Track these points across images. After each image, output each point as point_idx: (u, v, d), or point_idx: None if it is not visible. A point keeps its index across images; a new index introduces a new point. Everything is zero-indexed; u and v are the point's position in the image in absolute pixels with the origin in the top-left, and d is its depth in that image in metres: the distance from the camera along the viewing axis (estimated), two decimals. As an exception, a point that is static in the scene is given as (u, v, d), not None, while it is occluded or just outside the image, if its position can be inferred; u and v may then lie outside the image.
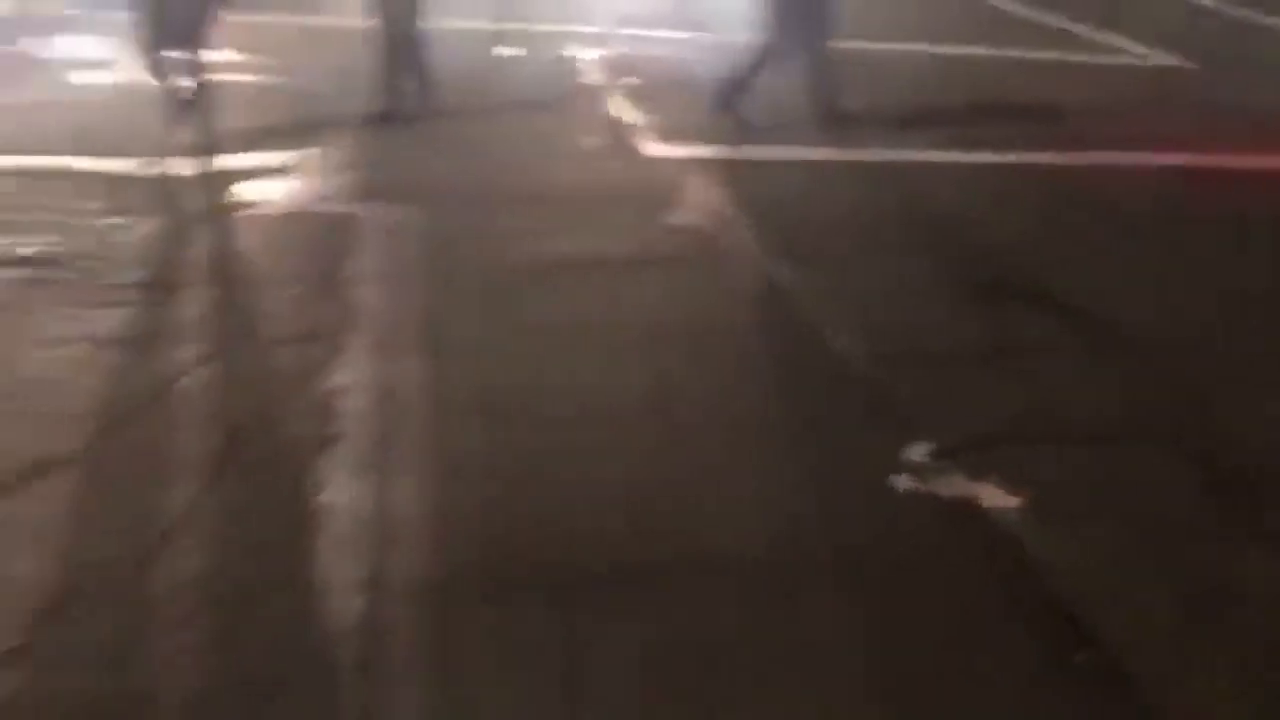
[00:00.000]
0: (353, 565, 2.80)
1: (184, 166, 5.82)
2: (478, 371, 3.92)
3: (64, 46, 9.05)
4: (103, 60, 8.28)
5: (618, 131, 7.35)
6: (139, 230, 5.15)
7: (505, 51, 9.86)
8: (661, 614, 2.67)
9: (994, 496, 3.20)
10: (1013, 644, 2.61)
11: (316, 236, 5.18)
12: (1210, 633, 2.68)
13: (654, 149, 6.93)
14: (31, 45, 9.21)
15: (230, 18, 6.37)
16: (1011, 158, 6.95)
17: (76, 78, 8.16)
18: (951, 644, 2.61)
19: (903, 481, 3.29)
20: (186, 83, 5.94)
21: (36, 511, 2.97)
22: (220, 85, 6.37)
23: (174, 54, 5.78)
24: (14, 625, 2.51)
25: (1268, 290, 5.06)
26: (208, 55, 5.92)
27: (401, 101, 7.13)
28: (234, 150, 6.13)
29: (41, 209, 5.31)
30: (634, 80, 8.85)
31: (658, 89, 8.52)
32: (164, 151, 5.88)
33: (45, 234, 4.96)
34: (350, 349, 3.99)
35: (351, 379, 3.77)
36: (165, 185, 5.72)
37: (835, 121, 7.35)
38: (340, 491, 3.11)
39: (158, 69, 5.95)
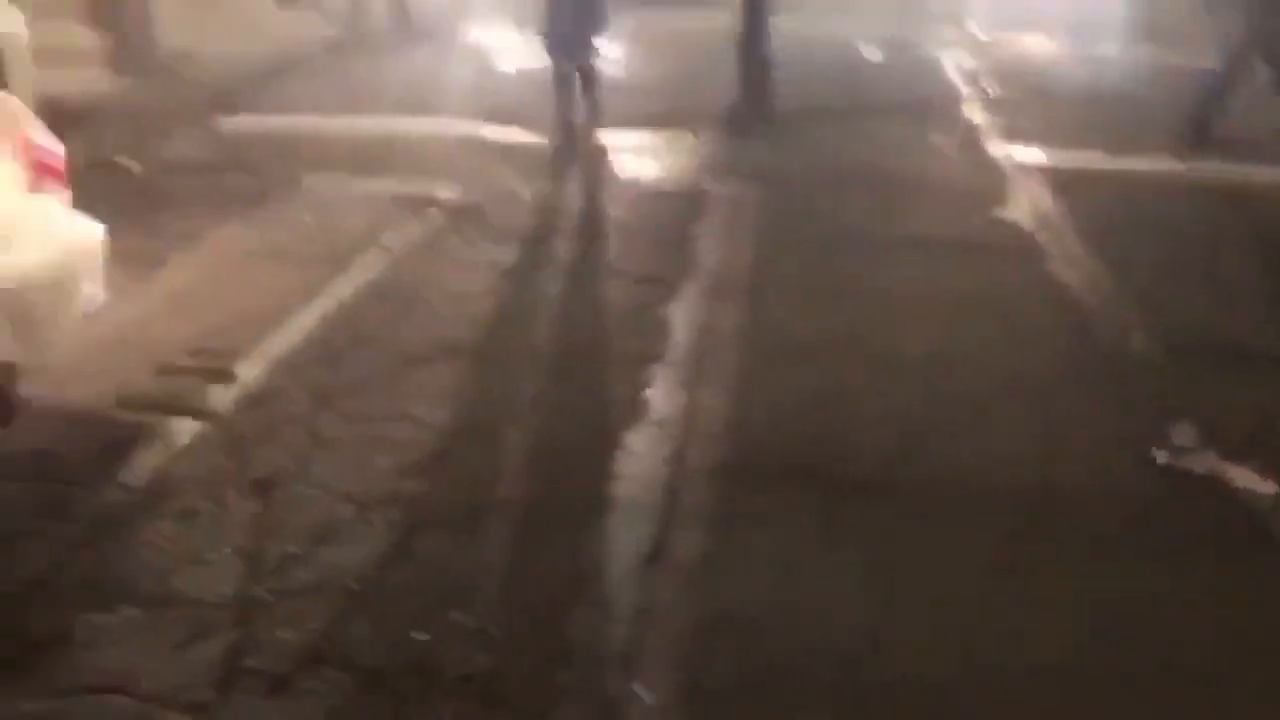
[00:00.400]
0: (660, 445, 3.49)
1: (572, 140, 6.83)
2: (788, 320, 4.52)
3: (489, 37, 10.61)
4: (516, 49, 9.66)
5: (968, 132, 7.65)
6: (532, 188, 6.19)
7: (872, 54, 10.36)
8: (901, 525, 3.14)
9: (1248, 479, 3.36)
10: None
11: (671, 205, 5.98)
12: None
13: (1000, 150, 7.18)
14: (466, 32, 10.89)
15: (616, 18, 7.34)
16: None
17: (497, 63, 9.62)
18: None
19: (1162, 455, 3.52)
20: (579, 73, 6.95)
21: (441, 381, 3.91)
22: (605, 77, 7.35)
23: (571, 49, 6.80)
24: (422, 454, 3.42)
25: None
26: (598, 51, 6.92)
27: (759, 97, 7.77)
28: (612, 130, 7.08)
29: (460, 166, 6.50)
30: (992, 85, 9.06)
31: (1016, 95, 8.69)
32: (557, 127, 6.94)
33: (462, 185, 6.11)
34: (684, 292, 4.72)
35: (680, 314, 4.49)
36: (555, 155, 6.76)
37: (1200, 139, 7.19)
38: (657, 393, 3.82)
39: (560, 62, 7.01)
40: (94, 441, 3.42)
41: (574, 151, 6.74)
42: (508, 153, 6.87)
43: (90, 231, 3.48)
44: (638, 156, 6.93)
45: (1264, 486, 3.33)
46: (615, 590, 2.82)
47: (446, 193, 5.99)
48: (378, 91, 8.35)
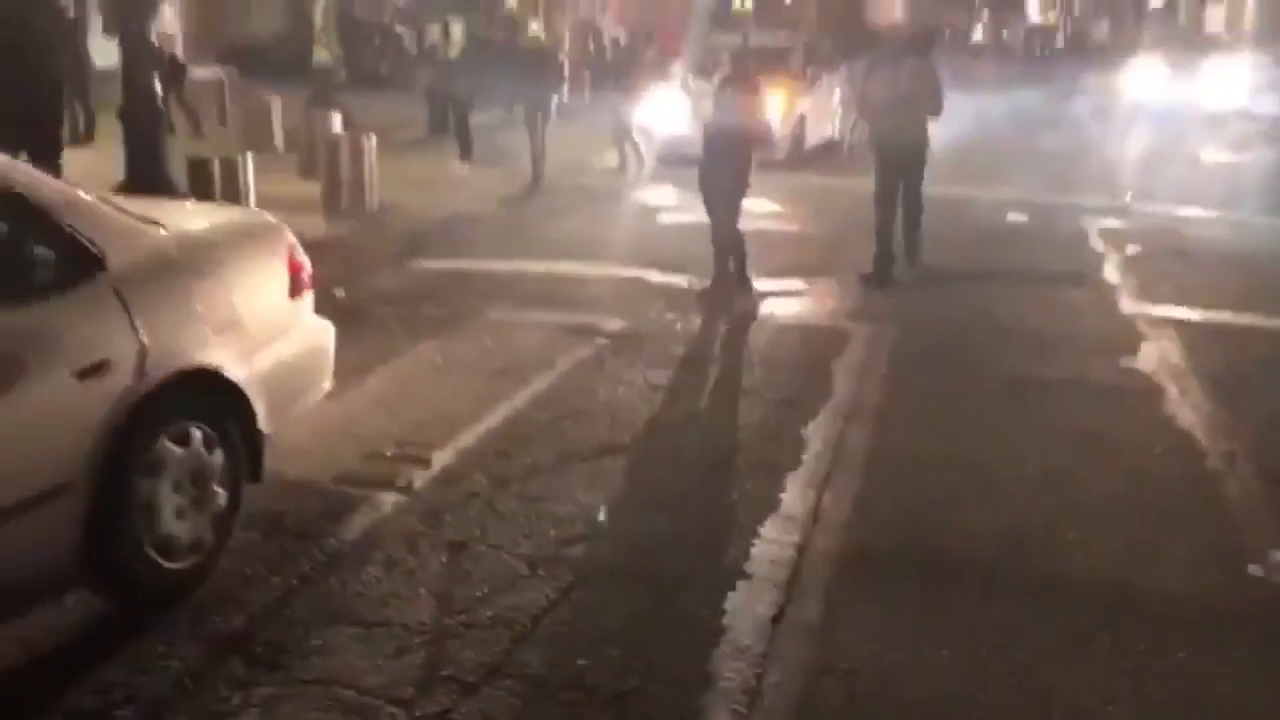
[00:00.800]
0: (788, 534, 3.99)
1: (724, 284, 7.54)
2: (913, 441, 4.99)
3: (655, 195, 11.64)
4: (684, 206, 10.58)
5: (1103, 289, 8.04)
6: (685, 323, 6.89)
7: (1018, 218, 10.88)
8: (995, 610, 3.53)
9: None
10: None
11: (812, 341, 6.57)
12: None
13: (1133, 306, 7.53)
14: (634, 193, 11.95)
15: (768, 178, 8.06)
16: None
17: (665, 218, 10.57)
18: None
19: (1258, 569, 3.81)
20: (722, 226, 7.68)
21: (602, 473, 4.51)
22: (759, 229, 8.08)
23: (721, 205, 7.58)
24: (583, 528, 4.01)
25: None
26: (749, 207, 7.67)
27: (904, 253, 8.35)
28: (762, 276, 7.77)
29: (623, 302, 7.27)
30: (1135, 249, 9.42)
31: (1155, 258, 9.03)
32: (697, 272, 7.68)
33: (623, 319, 6.85)
34: (819, 414, 5.25)
35: (814, 431, 5.02)
36: (710, 295, 7.47)
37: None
38: (789, 494, 4.34)
39: (712, 214, 7.74)
40: (316, 506, 4.14)
41: (726, 293, 7.44)
42: (666, 292, 7.62)
43: (327, 332, 4.29)
44: (784, 299, 7.57)
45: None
46: (744, 639, 3.30)
47: (611, 324, 6.73)
48: (553, 240, 9.33)
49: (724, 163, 7.48)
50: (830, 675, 3.16)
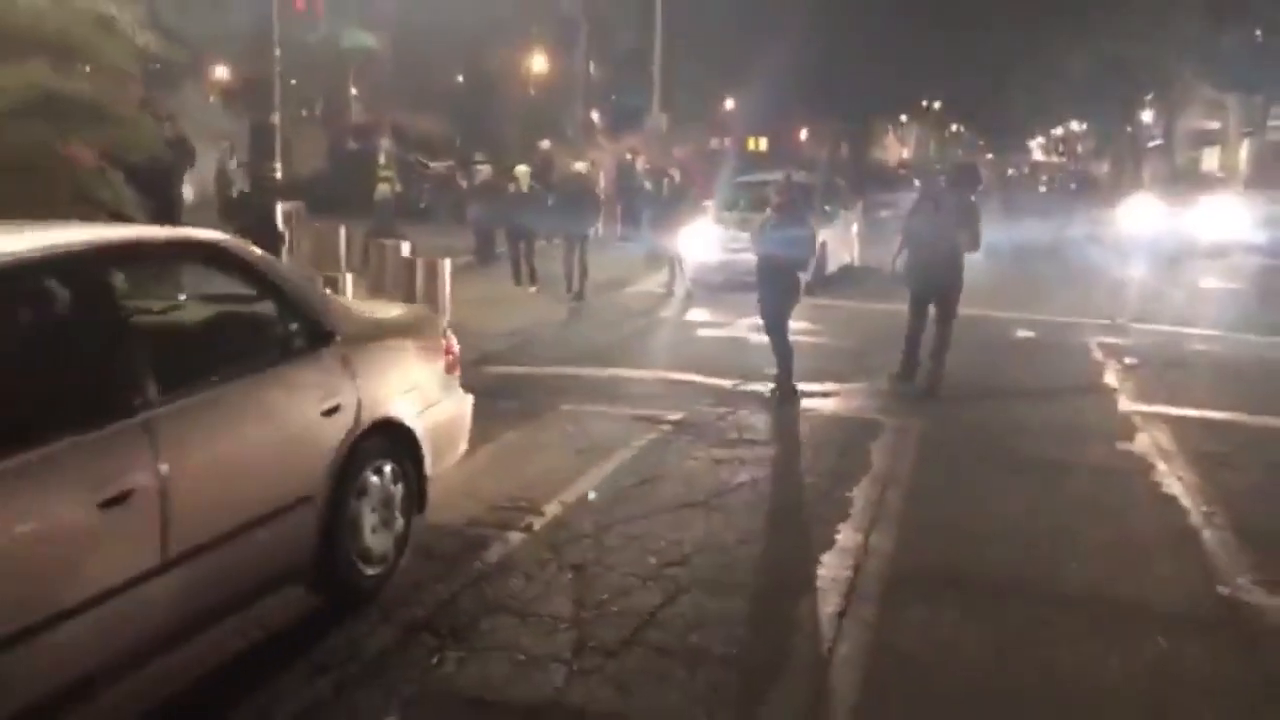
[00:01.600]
0: (844, 562, 4.94)
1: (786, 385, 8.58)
2: (939, 501, 5.96)
3: (691, 313, 12.83)
4: (720, 322, 11.73)
5: (1102, 391, 9.05)
6: (735, 415, 7.91)
7: (1024, 334, 11.98)
8: (1013, 614, 4.46)
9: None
10: None
11: (851, 428, 7.58)
12: None
13: (1129, 405, 8.53)
14: (670, 311, 13.14)
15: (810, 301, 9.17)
16: None
17: (703, 331, 11.72)
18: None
19: (1223, 589, 4.73)
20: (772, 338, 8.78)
21: (683, 521, 5.46)
22: (795, 342, 9.15)
23: (771, 321, 8.69)
24: (676, 555, 4.97)
25: None
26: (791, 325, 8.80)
27: (924, 365, 9.35)
28: (802, 379, 8.82)
29: (679, 399, 8.31)
30: (1132, 360, 10.46)
31: (1150, 367, 10.07)
32: (749, 376, 8.75)
33: (681, 411, 7.88)
34: (861, 481, 6.23)
35: (858, 494, 6.00)
36: (746, 392, 8.52)
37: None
38: (843, 535, 5.30)
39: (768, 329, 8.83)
40: (457, 542, 5.12)
41: (783, 395, 8.46)
42: (712, 391, 8.66)
43: (468, 401, 5.34)
44: (823, 398, 8.60)
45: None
46: (818, 628, 4.24)
47: (671, 414, 7.76)
48: (606, 348, 10.45)
49: (774, 284, 8.61)
50: (885, 653, 4.09)
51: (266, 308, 4.19)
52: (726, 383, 8.96)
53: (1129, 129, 60.68)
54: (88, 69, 6.57)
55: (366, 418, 4.30)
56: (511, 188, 14.85)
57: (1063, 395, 8.94)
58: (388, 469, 4.48)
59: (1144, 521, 5.74)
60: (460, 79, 36.14)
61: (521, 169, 14.77)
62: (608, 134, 37.59)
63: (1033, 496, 6.12)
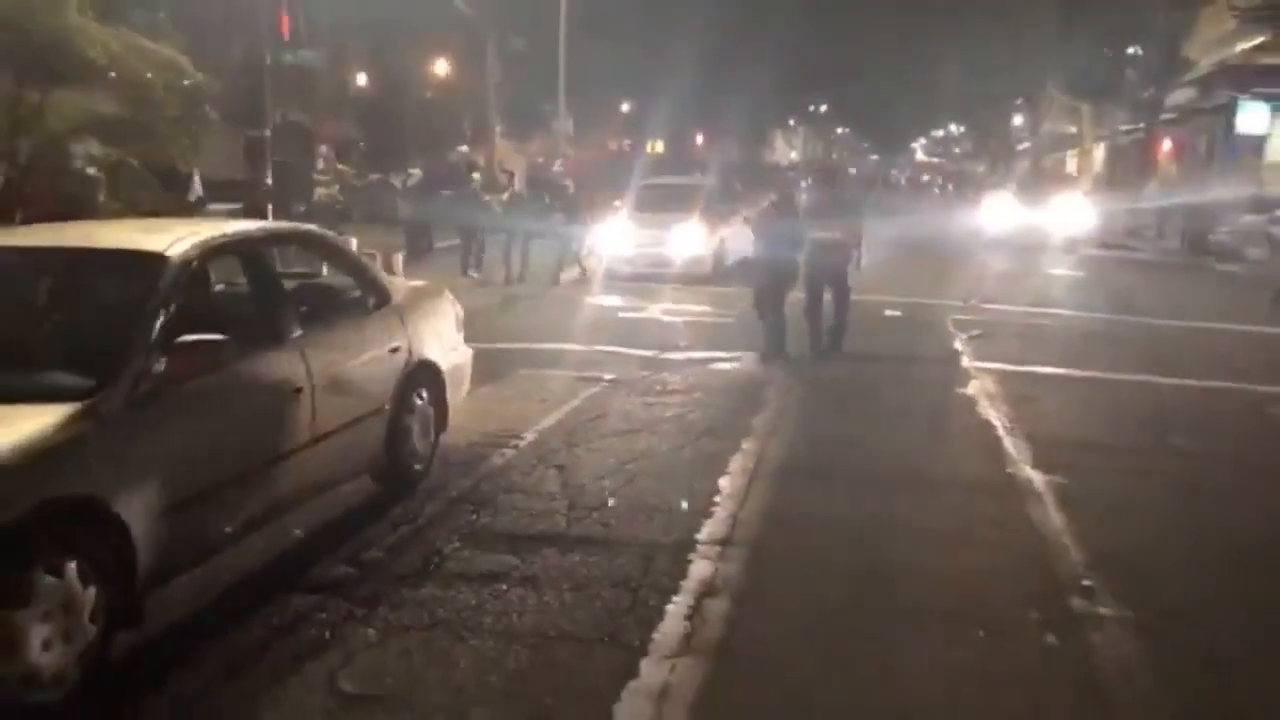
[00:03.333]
0: (749, 456, 6.91)
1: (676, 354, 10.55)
2: (819, 422, 7.98)
3: (608, 300, 14.75)
4: (636, 306, 13.65)
5: (950, 355, 11.26)
6: (659, 375, 9.84)
7: (892, 313, 14.21)
8: (854, 492, 6.49)
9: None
10: None
11: (750, 382, 9.58)
12: None
13: (969, 363, 10.73)
14: (591, 298, 15.03)
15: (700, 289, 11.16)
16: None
17: (622, 314, 13.64)
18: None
19: (1011, 471, 6.84)
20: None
21: (623, 443, 7.36)
22: (697, 322, 11.14)
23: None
24: (629, 458, 6.87)
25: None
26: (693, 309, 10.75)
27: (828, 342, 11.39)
28: (708, 349, 10.80)
29: (612, 364, 10.20)
30: (977, 331, 12.73)
31: (992, 336, 12.35)
32: (657, 347, 10.70)
33: (614, 373, 9.78)
34: (761, 412, 8.22)
35: (756, 423, 7.98)
36: (663, 359, 10.46)
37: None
38: (748, 443, 7.27)
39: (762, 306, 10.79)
40: (467, 454, 6.93)
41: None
42: (637, 359, 10.58)
43: (470, 354, 7.14)
44: (729, 363, 10.59)
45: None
46: (734, 495, 6.19)
47: (608, 375, 9.65)
48: (543, 327, 12.30)
49: (774, 269, 10.65)
50: (777, 502, 6.06)
51: (349, 279, 5.97)
52: (648, 353, 10.89)
53: (1002, 131, 64.76)
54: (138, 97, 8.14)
55: (414, 357, 6.10)
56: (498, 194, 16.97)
57: (918, 359, 11.13)
58: (425, 394, 6.28)
59: (963, 435, 7.86)
60: (365, 85, 37.43)
61: (476, 175, 16.76)
62: (514, 138, 39.38)
63: (885, 424, 8.21)
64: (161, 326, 4.27)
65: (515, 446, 7.17)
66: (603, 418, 8.07)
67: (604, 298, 15.35)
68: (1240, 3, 28.45)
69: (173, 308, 4.40)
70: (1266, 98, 29.56)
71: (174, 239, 4.75)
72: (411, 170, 21.49)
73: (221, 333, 4.42)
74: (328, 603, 4.62)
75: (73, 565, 3.66)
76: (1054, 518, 6.01)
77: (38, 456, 3.62)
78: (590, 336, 11.84)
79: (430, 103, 37.81)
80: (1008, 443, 7.60)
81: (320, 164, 18.05)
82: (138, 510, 3.91)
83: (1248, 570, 5.41)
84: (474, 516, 5.79)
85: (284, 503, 4.99)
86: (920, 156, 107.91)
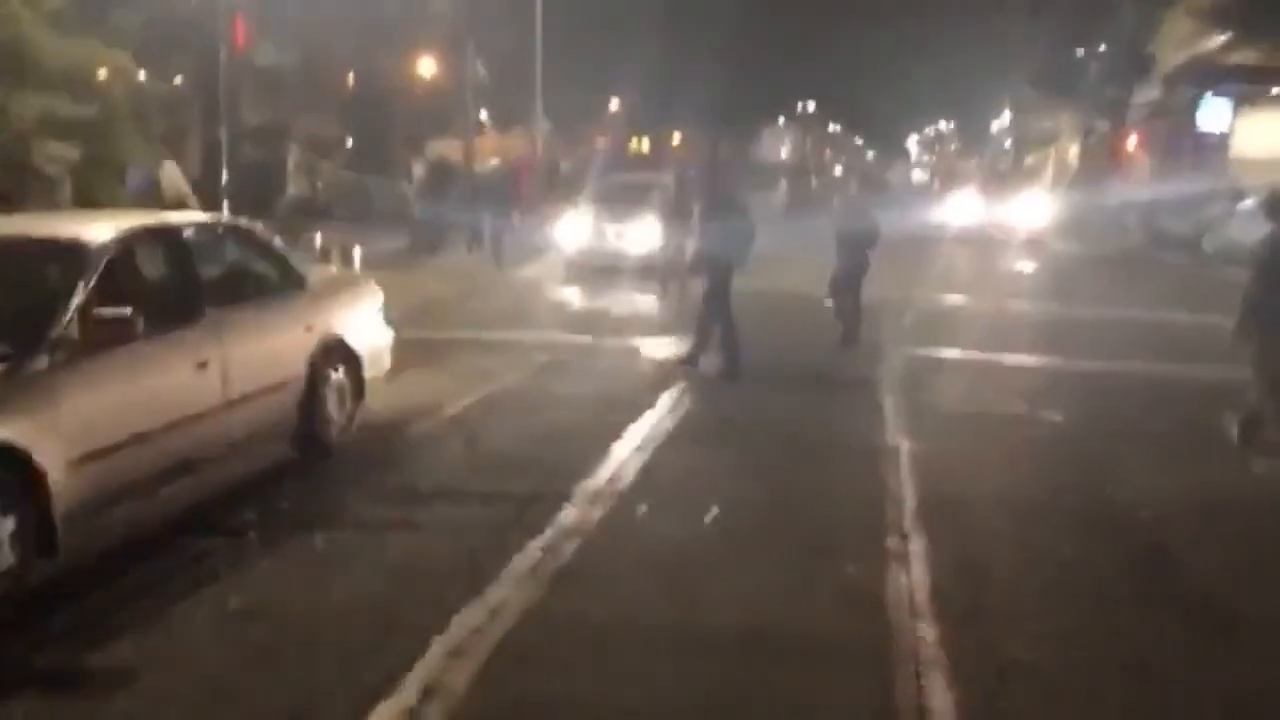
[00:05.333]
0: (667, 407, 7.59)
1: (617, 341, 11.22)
2: (726, 405, 8.67)
3: (569, 291, 15.41)
4: (584, 297, 14.32)
5: (872, 339, 11.94)
6: (588, 358, 10.51)
7: (829, 303, 14.87)
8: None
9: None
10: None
11: (654, 368, 10.26)
12: None
13: (888, 347, 11.42)
14: (556, 290, 15.70)
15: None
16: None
17: (572, 306, 14.32)
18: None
19: (890, 442, 7.52)
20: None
21: (545, 417, 8.03)
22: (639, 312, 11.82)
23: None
24: (545, 430, 7.54)
25: None
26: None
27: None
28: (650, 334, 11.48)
29: (550, 349, 10.87)
30: (909, 318, 13.41)
31: (919, 322, 13.02)
32: (596, 334, 11.37)
33: (550, 356, 10.44)
34: (647, 409, 8.90)
35: (666, 394, 8.66)
36: (602, 346, 11.14)
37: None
38: (663, 398, 7.95)
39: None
40: (387, 426, 7.59)
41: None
42: (576, 345, 11.26)
43: (390, 334, 7.81)
44: (660, 350, 11.28)
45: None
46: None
47: (542, 358, 10.32)
48: (492, 318, 12.98)
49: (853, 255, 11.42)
50: (655, 467, 6.74)
51: (268, 264, 6.66)
52: (587, 339, 11.57)
53: (985, 128, 65.54)
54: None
55: (326, 336, 6.77)
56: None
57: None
58: (341, 368, 6.95)
59: (857, 407, 8.54)
60: (351, 83, 38.04)
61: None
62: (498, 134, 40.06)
63: (797, 397, 8.90)
64: (78, 304, 4.94)
65: (435, 419, 7.84)
66: (524, 395, 8.74)
67: (559, 289, 16.03)
68: (1202, 2, 29.12)
69: (90, 287, 5.07)
70: (1229, 95, 30.23)
71: (95, 228, 5.43)
72: (415, 168, 22.55)
73: (135, 310, 5.09)
74: (230, 543, 5.29)
75: (-6, 500, 4.33)
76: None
77: (-39, 408, 4.30)
78: (536, 325, 12.52)
79: (415, 99, 38.44)
80: (888, 415, 8.29)
81: (291, 164, 18.61)
82: (52, 457, 4.58)
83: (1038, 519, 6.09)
84: (381, 476, 6.47)
85: (197, 459, 5.65)
86: (915, 154, 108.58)
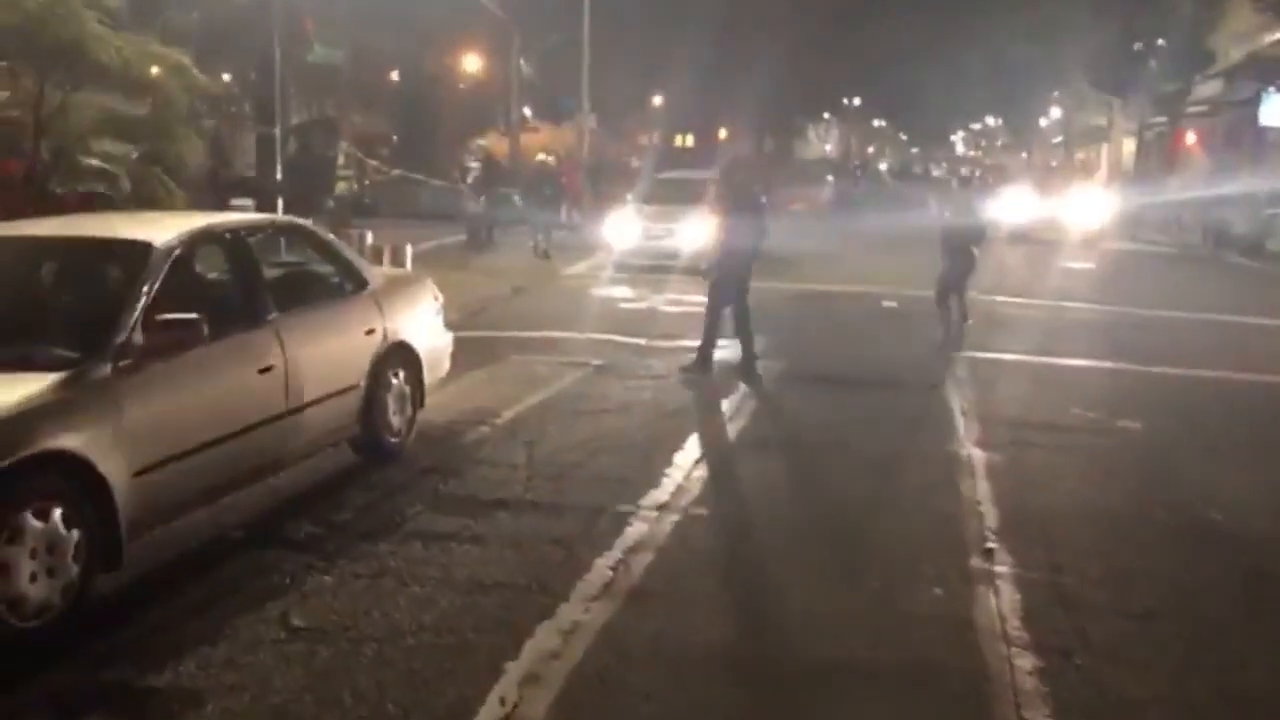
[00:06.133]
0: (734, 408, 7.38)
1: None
2: (784, 414, 8.43)
3: (619, 290, 15.25)
4: (638, 297, 14.15)
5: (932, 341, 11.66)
6: (645, 360, 10.33)
7: (889, 304, 14.59)
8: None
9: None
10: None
11: (728, 368, 10.05)
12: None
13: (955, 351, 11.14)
14: (606, 289, 15.54)
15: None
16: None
17: (623, 305, 14.15)
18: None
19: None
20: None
21: (595, 422, 7.85)
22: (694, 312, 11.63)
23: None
24: (594, 436, 7.36)
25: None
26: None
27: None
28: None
29: (603, 351, 10.69)
30: (970, 322, 13.08)
31: (979, 324, 12.71)
32: (650, 336, 11.19)
33: (603, 359, 10.27)
34: (707, 416, 8.69)
35: (726, 402, 8.45)
36: (655, 347, 10.95)
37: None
38: (720, 417, 7.75)
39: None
40: (448, 428, 7.46)
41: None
42: (628, 346, 11.07)
43: (450, 336, 7.66)
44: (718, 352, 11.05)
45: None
46: (671, 470, 6.68)
47: (595, 361, 10.15)
48: (544, 317, 12.83)
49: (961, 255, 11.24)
50: (721, 478, 6.54)
51: (330, 266, 6.52)
52: (641, 341, 11.38)
53: (1040, 124, 64.48)
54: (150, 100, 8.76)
55: (388, 340, 6.63)
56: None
57: (907, 344, 11.55)
58: (402, 374, 6.81)
59: (925, 414, 8.28)
60: (398, 80, 38.16)
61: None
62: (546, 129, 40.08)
63: (862, 402, 8.66)
64: (143, 307, 4.82)
65: (492, 424, 7.68)
66: (580, 399, 8.57)
67: (610, 289, 15.86)
68: (1265, -6, 28.36)
69: (154, 291, 4.95)
70: (1295, 91, 29.43)
71: (159, 230, 5.32)
72: (470, 165, 22.69)
73: (201, 314, 4.98)
74: (292, 556, 5.16)
75: (58, 512, 4.21)
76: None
77: (27, 415, 4.19)
78: (588, 325, 12.34)
79: (461, 95, 38.47)
80: (958, 420, 8.03)
81: (342, 159, 18.62)
82: (118, 467, 4.46)
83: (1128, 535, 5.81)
84: (440, 485, 6.32)
85: (260, 467, 5.53)
86: (960, 149, 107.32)
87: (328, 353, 6.06)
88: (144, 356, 4.73)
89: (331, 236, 6.62)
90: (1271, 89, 29.89)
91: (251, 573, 4.96)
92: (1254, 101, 30.32)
